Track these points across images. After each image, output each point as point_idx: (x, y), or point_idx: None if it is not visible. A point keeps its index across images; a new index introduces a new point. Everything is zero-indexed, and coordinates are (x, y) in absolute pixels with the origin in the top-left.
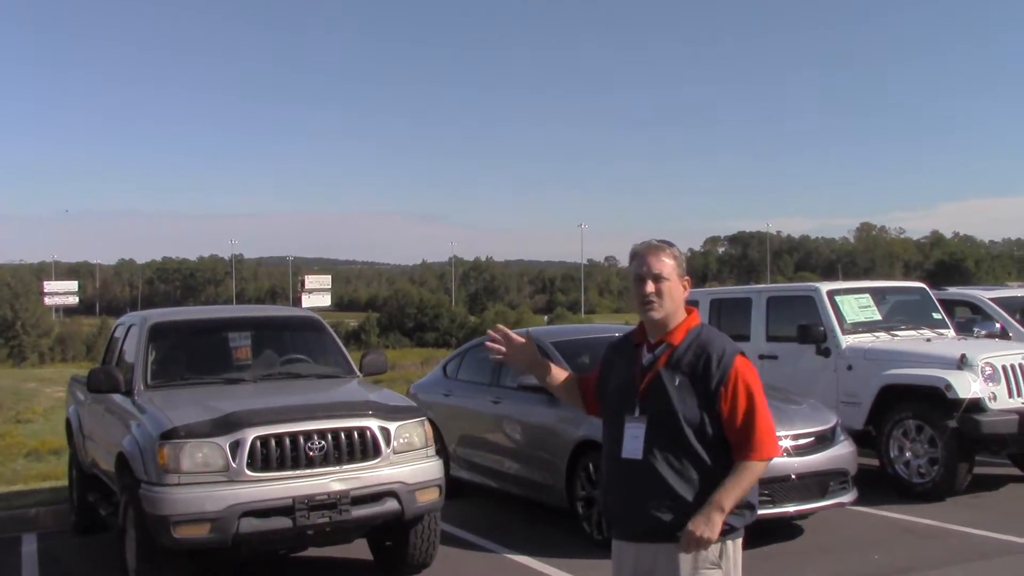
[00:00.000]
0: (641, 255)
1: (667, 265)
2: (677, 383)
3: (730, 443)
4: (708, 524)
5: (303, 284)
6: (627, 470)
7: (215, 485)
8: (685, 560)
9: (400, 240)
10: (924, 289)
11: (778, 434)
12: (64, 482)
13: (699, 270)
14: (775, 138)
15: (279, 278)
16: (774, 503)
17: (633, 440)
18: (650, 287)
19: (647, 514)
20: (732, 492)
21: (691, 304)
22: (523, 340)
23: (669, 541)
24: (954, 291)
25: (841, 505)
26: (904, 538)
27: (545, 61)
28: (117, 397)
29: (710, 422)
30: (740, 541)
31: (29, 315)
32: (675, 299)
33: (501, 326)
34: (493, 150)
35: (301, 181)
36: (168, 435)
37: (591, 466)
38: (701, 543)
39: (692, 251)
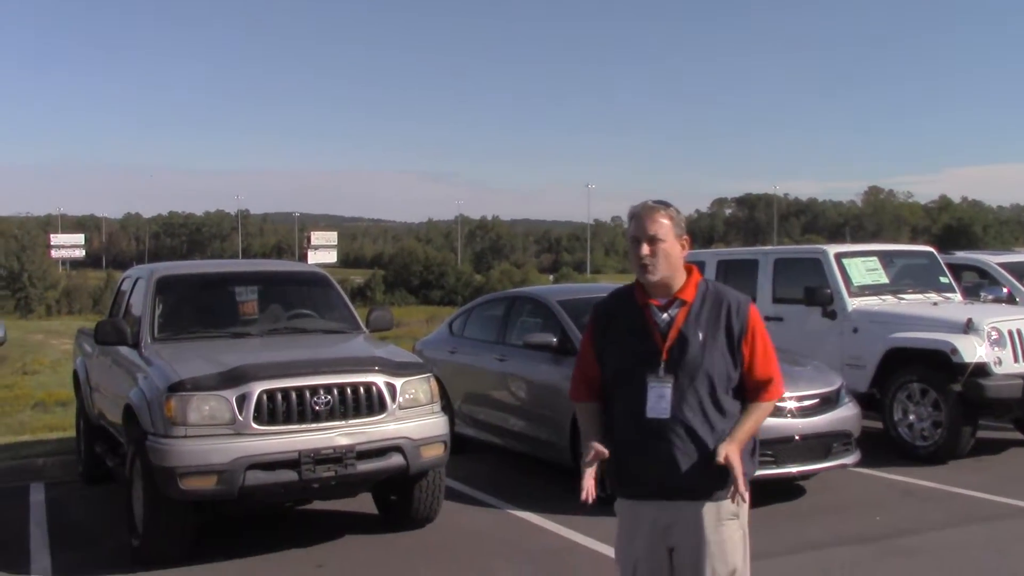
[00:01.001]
0: (638, 216)
1: (663, 226)
2: (701, 338)
3: (747, 387)
4: (736, 454)
5: (309, 240)
6: (653, 430)
7: (221, 438)
8: (708, 515)
9: (406, 198)
10: (932, 253)
11: (783, 395)
12: (71, 433)
13: (705, 232)
14: (783, 100)
15: (285, 234)
16: (777, 464)
17: (659, 400)
18: (646, 249)
19: (677, 472)
20: (750, 431)
21: (698, 265)
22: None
23: (694, 498)
24: (962, 255)
25: (844, 467)
26: (906, 500)
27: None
28: (124, 350)
29: (733, 372)
30: (747, 493)
31: (36, 267)
32: (672, 260)
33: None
34: (501, 109)
35: (308, 137)
36: (175, 388)
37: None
38: (732, 466)
39: (699, 212)
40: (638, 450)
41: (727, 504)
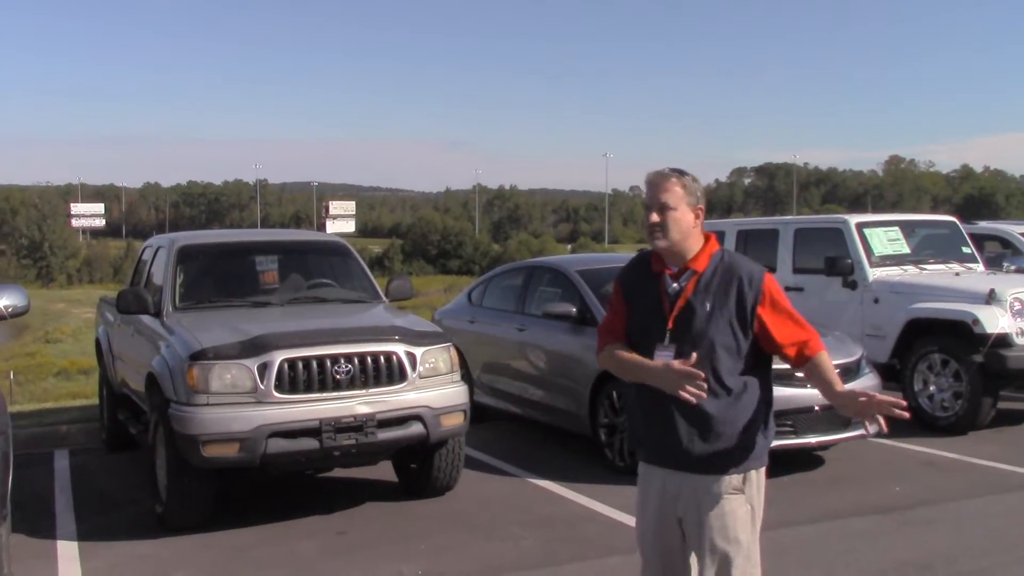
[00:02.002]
0: (651, 184)
1: (675, 194)
2: (708, 308)
3: (786, 354)
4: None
5: (327, 210)
6: (658, 398)
7: (243, 406)
8: (710, 487)
9: (424, 167)
10: (954, 223)
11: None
12: (94, 401)
13: (724, 201)
14: (804, 68)
15: (303, 204)
16: (796, 434)
17: None
18: (655, 217)
19: (678, 443)
20: (836, 376)
21: (717, 235)
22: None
23: (698, 471)
24: (984, 225)
25: (863, 437)
26: (925, 470)
27: None
28: (146, 318)
29: (743, 345)
30: (764, 470)
31: (56, 237)
32: (682, 228)
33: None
34: (518, 78)
35: (326, 107)
36: (197, 356)
37: (614, 394)
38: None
39: (718, 182)
40: (646, 415)
41: (731, 478)
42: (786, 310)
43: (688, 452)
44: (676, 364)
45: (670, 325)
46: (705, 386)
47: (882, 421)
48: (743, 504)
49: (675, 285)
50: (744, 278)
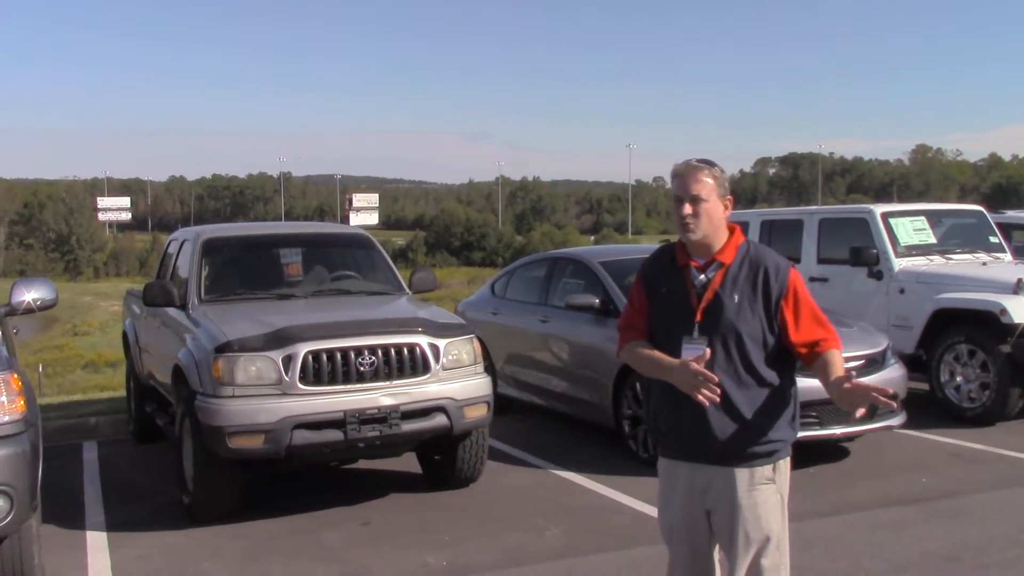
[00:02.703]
0: (680, 176)
1: (706, 185)
2: (736, 300)
3: (801, 351)
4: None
5: (351, 202)
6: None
7: (268, 398)
8: (742, 478)
9: (447, 159)
10: (981, 212)
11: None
12: (121, 392)
13: (749, 191)
14: (829, 57)
15: (327, 196)
16: (822, 425)
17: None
18: (688, 208)
19: (708, 435)
20: (842, 365)
21: (742, 225)
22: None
23: (727, 463)
24: (1012, 214)
25: (889, 428)
26: (952, 462)
27: None
28: (172, 311)
29: (769, 336)
30: (788, 460)
31: (83, 230)
32: (714, 220)
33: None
34: (542, 68)
35: (349, 100)
36: (222, 348)
37: (637, 385)
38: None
39: (742, 172)
40: (673, 410)
41: (762, 469)
42: (808, 307)
43: (722, 445)
44: (693, 364)
45: (698, 317)
46: (719, 391)
47: (860, 412)
48: (774, 494)
49: (702, 277)
50: (771, 270)
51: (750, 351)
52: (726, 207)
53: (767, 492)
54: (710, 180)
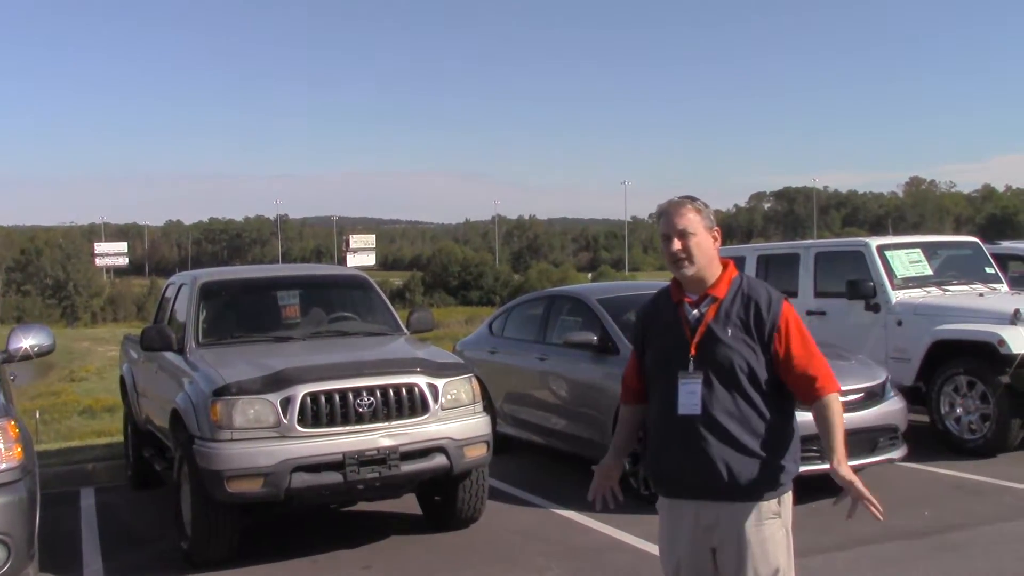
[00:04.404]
0: (666, 213)
1: (692, 220)
2: (730, 334)
3: (796, 388)
4: (848, 481)
5: (347, 243)
6: (685, 427)
7: (267, 441)
8: (749, 514)
9: (443, 199)
10: (977, 243)
11: (840, 388)
12: (119, 438)
13: (744, 226)
14: (821, 91)
15: (324, 238)
16: (823, 459)
17: (690, 396)
18: (677, 244)
19: (710, 470)
20: (841, 433)
21: (738, 260)
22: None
23: (731, 498)
24: (1007, 245)
25: (891, 461)
26: (954, 494)
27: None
28: (170, 355)
29: (764, 370)
30: (791, 495)
31: (81, 276)
32: (705, 252)
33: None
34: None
35: (345, 142)
36: (220, 392)
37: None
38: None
39: (737, 207)
40: (672, 447)
41: (768, 503)
42: (801, 342)
43: (727, 481)
44: (600, 480)
45: (692, 352)
46: (617, 497)
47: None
48: (780, 528)
49: (695, 312)
50: (763, 304)
51: (745, 385)
52: (715, 239)
53: (774, 527)
54: (694, 215)
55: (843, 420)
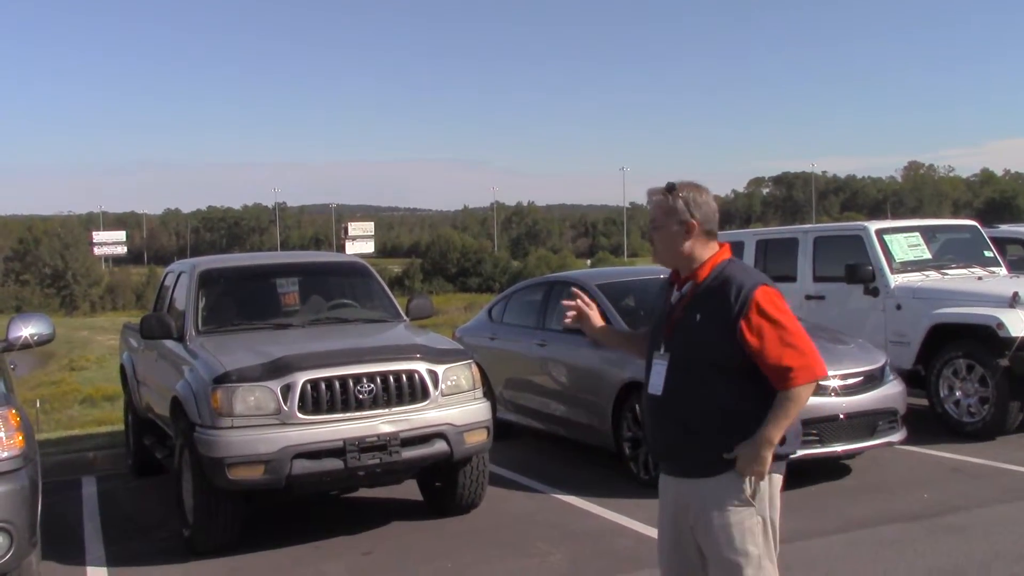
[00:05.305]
0: (648, 201)
1: (656, 212)
2: (698, 319)
3: (767, 375)
4: (756, 459)
5: (346, 231)
6: (653, 405)
7: (268, 428)
8: (713, 496)
9: (441, 186)
10: (975, 227)
11: (821, 377)
12: (119, 427)
13: (743, 212)
14: (820, 75)
15: (322, 226)
16: (822, 443)
17: (657, 376)
18: (651, 234)
19: (671, 448)
20: (778, 424)
21: (736, 245)
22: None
23: (697, 476)
24: (1006, 229)
25: (890, 444)
26: (953, 477)
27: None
28: (169, 343)
29: (733, 356)
30: (778, 478)
31: (79, 265)
32: (667, 244)
33: (579, 292)
34: (532, 94)
35: (343, 129)
36: (221, 379)
37: (637, 407)
38: (754, 475)
39: (735, 192)
40: (648, 425)
41: (735, 490)
42: (775, 328)
43: (679, 460)
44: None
45: (667, 333)
46: (584, 310)
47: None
48: (752, 516)
49: (676, 294)
50: (733, 289)
51: (707, 368)
52: (689, 230)
53: (743, 514)
54: (659, 207)
55: (795, 414)
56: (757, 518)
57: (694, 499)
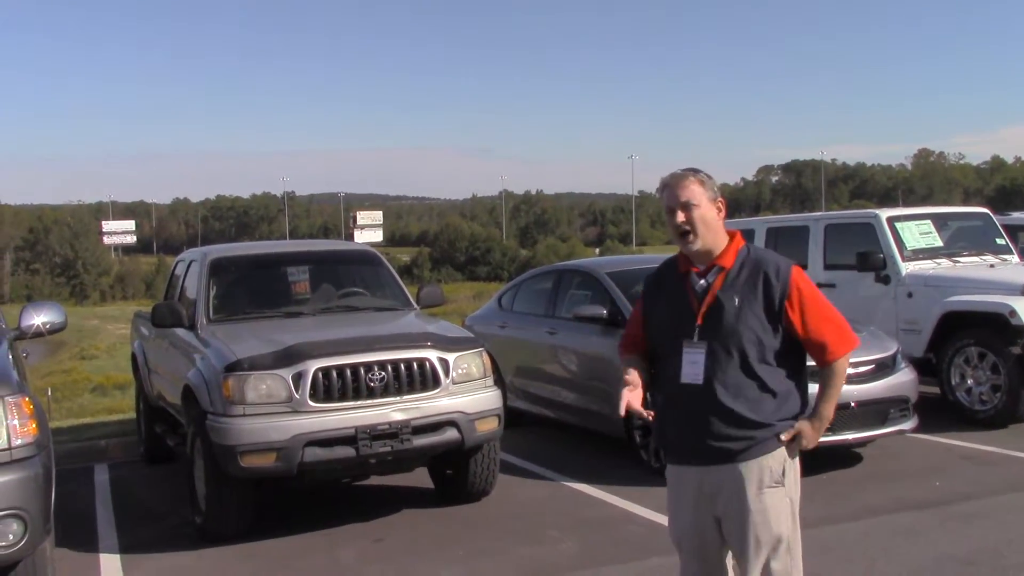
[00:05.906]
0: (669, 186)
1: (695, 191)
2: (736, 303)
3: (811, 353)
4: (814, 438)
5: (355, 220)
6: (687, 395)
7: (279, 416)
8: (750, 482)
9: (450, 175)
10: (987, 214)
11: (849, 351)
12: (131, 415)
13: (752, 200)
14: (829, 64)
15: (331, 215)
16: (834, 431)
17: (692, 365)
18: (681, 216)
19: (712, 437)
20: (832, 400)
21: (747, 233)
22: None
23: (734, 462)
24: (1018, 216)
25: (901, 432)
26: (965, 465)
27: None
28: (181, 331)
29: (772, 339)
30: (797, 461)
31: (89, 254)
32: (709, 224)
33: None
34: (541, 83)
35: (352, 118)
36: (232, 367)
37: (647, 395)
38: (805, 447)
39: (744, 180)
40: (675, 415)
41: (770, 472)
42: (815, 304)
43: (717, 445)
44: (626, 395)
45: (699, 321)
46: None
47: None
48: (784, 498)
49: (702, 282)
50: (771, 272)
51: (750, 354)
52: (719, 210)
53: (776, 495)
54: (697, 186)
55: (841, 386)
56: (787, 499)
57: (727, 486)
